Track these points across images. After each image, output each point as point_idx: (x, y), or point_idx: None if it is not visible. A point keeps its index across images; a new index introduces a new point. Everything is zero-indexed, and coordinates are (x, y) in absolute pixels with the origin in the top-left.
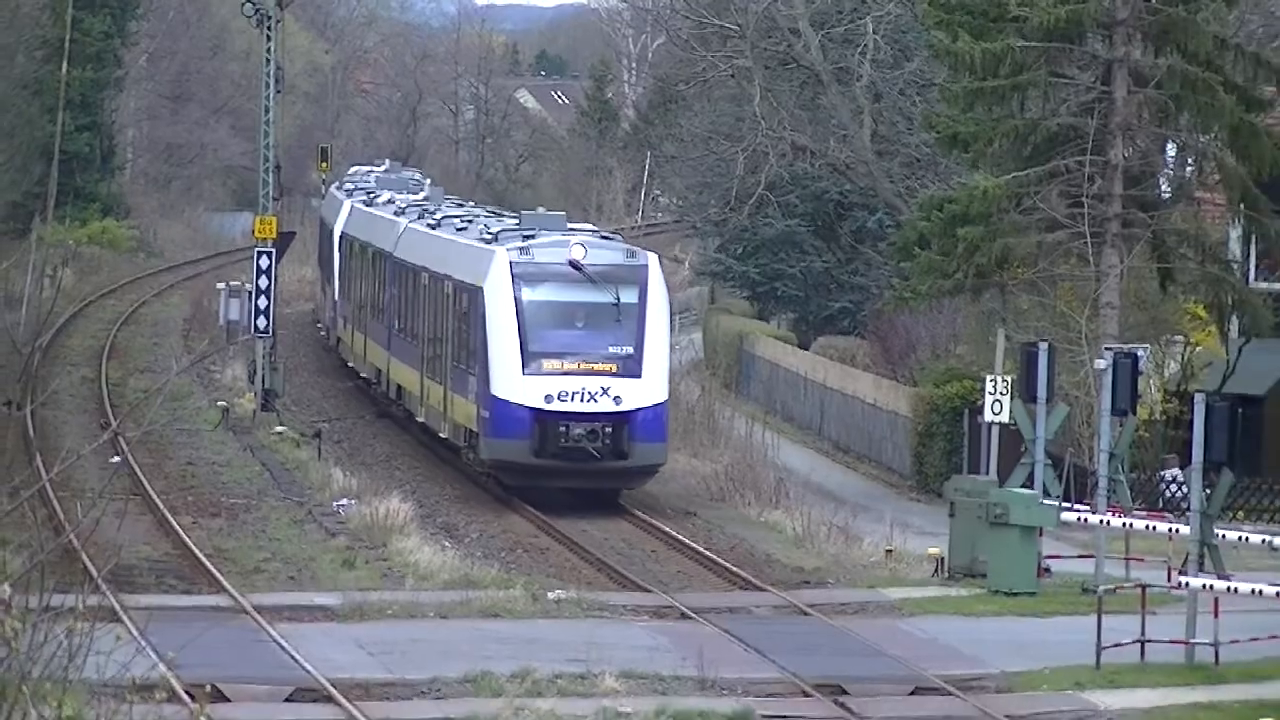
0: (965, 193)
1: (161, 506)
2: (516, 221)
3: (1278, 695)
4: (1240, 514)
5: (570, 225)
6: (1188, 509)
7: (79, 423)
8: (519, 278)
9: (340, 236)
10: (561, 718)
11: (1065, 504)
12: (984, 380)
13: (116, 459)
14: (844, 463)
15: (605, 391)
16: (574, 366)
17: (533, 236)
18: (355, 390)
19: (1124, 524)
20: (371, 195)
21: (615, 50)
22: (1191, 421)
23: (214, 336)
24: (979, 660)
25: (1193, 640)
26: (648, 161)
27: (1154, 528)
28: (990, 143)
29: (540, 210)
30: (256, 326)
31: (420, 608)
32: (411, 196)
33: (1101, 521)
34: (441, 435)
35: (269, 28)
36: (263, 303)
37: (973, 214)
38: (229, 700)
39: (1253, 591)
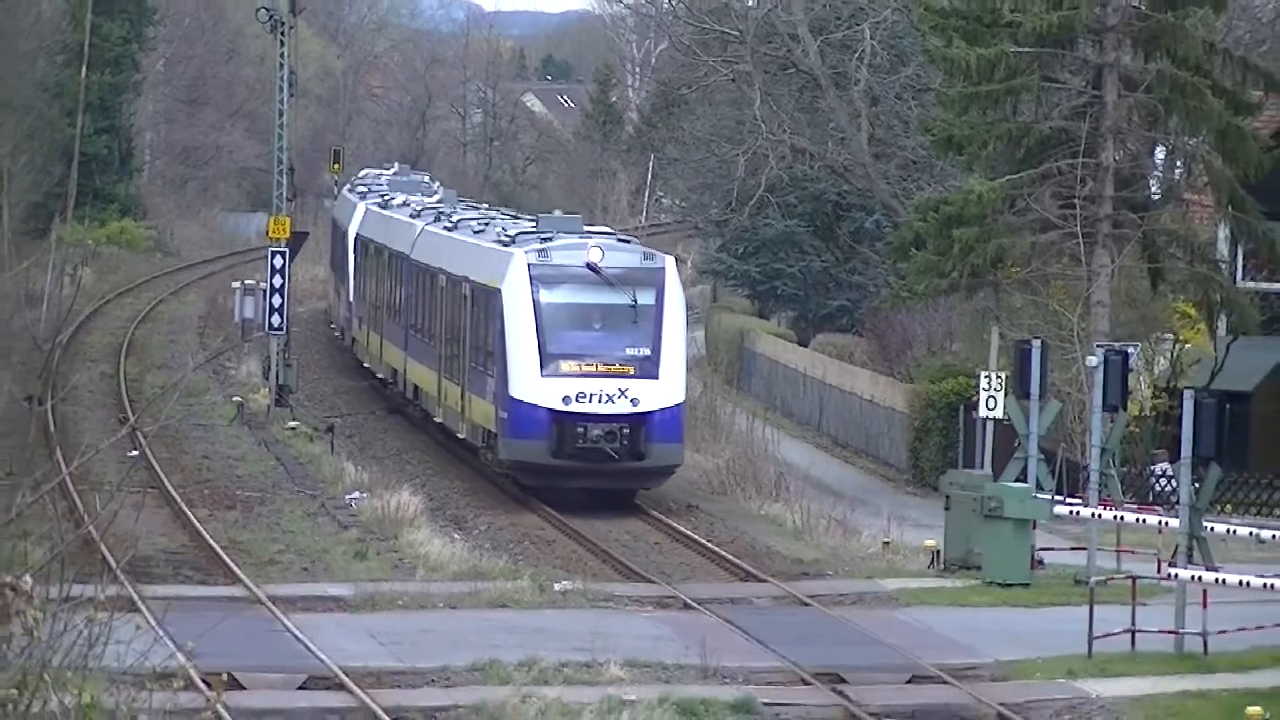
0: (960, 194)
1: (178, 499)
2: (533, 224)
3: (1265, 684)
4: (1228, 507)
5: (587, 228)
6: (1177, 503)
7: (98, 417)
8: (537, 280)
9: (355, 238)
10: (568, 705)
11: (1058, 498)
12: (979, 377)
13: (134, 453)
14: (842, 457)
15: (623, 393)
16: (592, 368)
17: (550, 239)
18: (367, 387)
19: (1115, 517)
20: (386, 198)
21: (619, 55)
22: (1181, 417)
23: (229, 334)
24: (974, 649)
25: (1182, 630)
26: (651, 164)
27: (1144, 521)
28: (984, 146)
29: (557, 213)
30: (271, 324)
31: (430, 598)
32: (426, 199)
33: (1093, 515)
34: (460, 436)
35: (282, 33)
36: (277, 301)
37: (968, 215)
38: (244, 688)
39: (1240, 583)
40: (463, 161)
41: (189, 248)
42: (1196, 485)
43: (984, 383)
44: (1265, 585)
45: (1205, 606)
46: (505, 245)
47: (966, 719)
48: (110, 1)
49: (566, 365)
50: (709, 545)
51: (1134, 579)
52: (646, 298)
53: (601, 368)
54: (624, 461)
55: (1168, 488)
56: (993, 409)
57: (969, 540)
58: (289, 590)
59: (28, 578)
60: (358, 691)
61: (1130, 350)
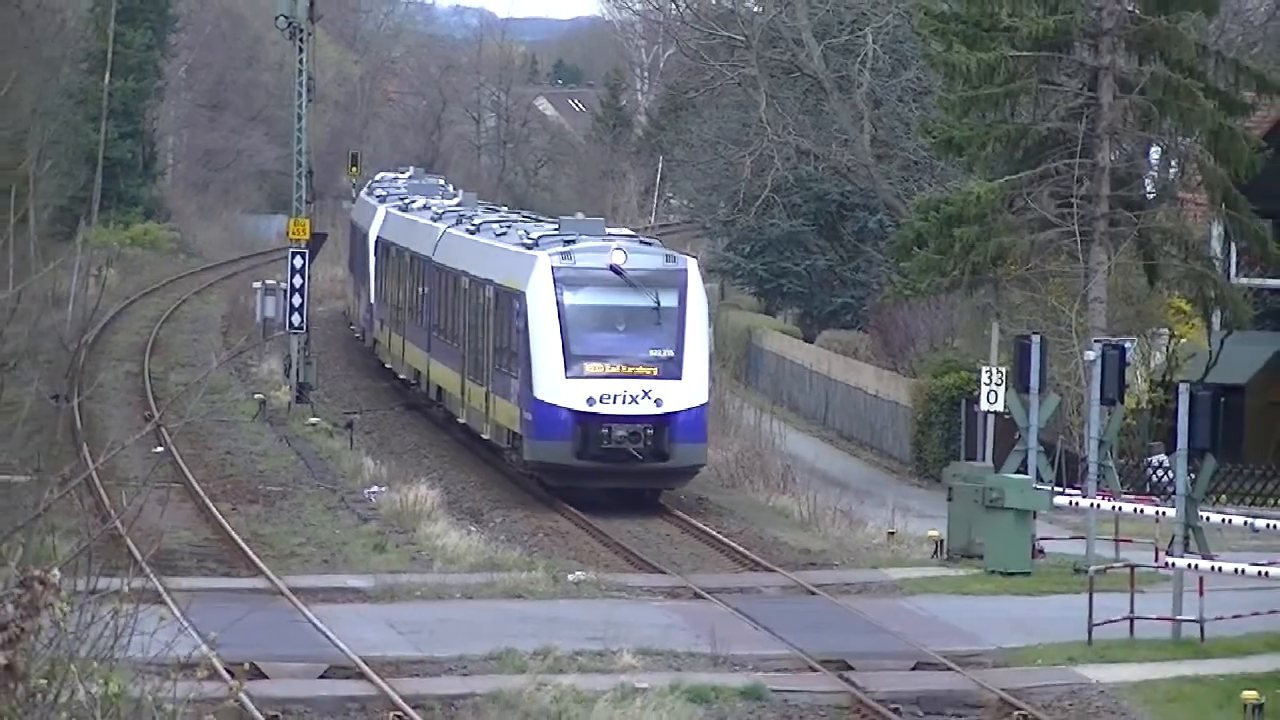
0: (960, 195)
1: (202, 494)
2: (555, 227)
3: (1260, 669)
4: (1223, 497)
5: (609, 230)
6: (1173, 493)
7: (123, 414)
8: (561, 282)
9: (376, 241)
10: (581, 693)
11: (1057, 489)
12: (980, 371)
13: (159, 449)
14: (847, 450)
15: (646, 394)
16: (615, 369)
17: (573, 241)
18: (385, 383)
19: (1113, 507)
20: (406, 201)
21: (628, 60)
22: (1176, 410)
23: (251, 332)
24: (976, 637)
25: (1179, 617)
26: (660, 165)
27: (1141, 511)
28: (984, 147)
29: (579, 216)
30: (291, 323)
31: (447, 589)
32: (446, 203)
33: (1092, 505)
34: (484, 436)
35: (301, 40)
36: (297, 300)
37: (968, 214)
38: (267, 678)
39: (1235, 570)
40: (477, 164)
41: (211, 249)
42: (1192, 476)
43: (985, 377)
44: (1260, 573)
45: (1201, 594)
46: (529, 248)
47: (970, 704)
48: (133, 10)
49: (590, 367)
50: (718, 536)
51: (1132, 567)
52: (669, 299)
53: (625, 369)
54: (648, 462)
55: (1164, 478)
56: (993, 403)
57: (971, 530)
58: (310, 582)
59: (56, 571)
60: (377, 680)
61: (1127, 345)
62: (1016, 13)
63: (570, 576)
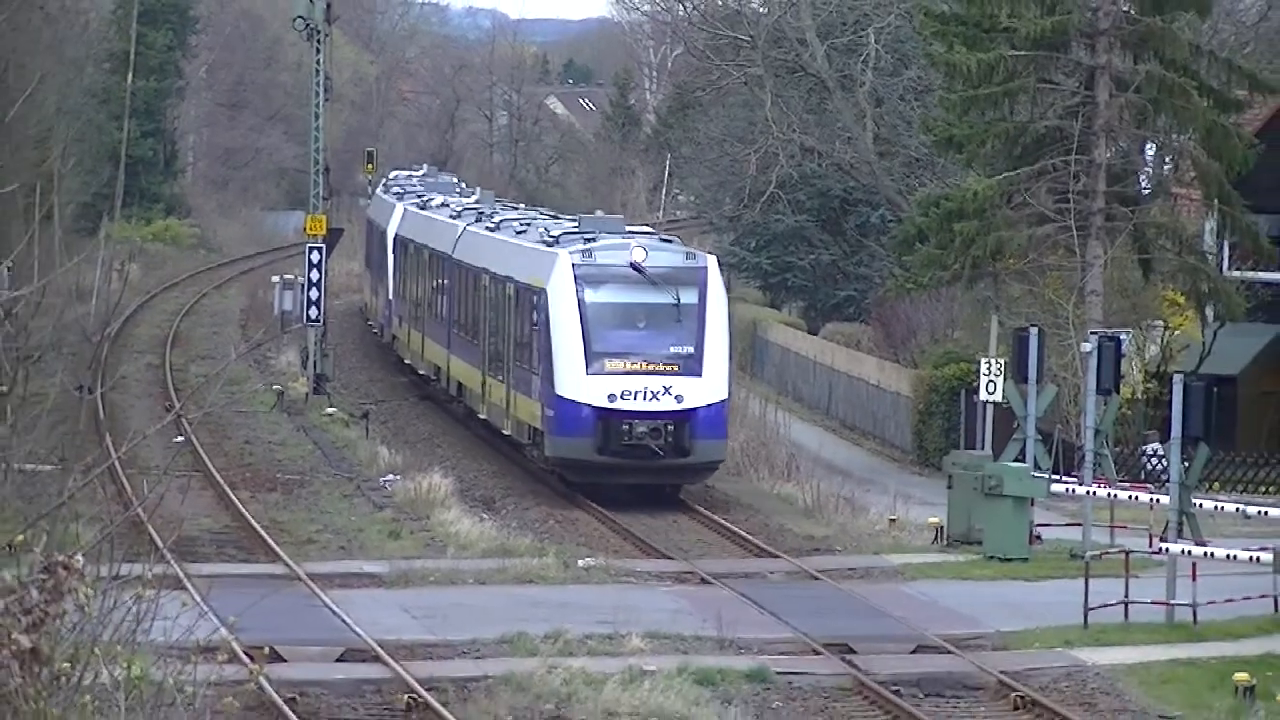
0: (960, 191)
1: (221, 482)
2: (575, 224)
3: (1251, 652)
4: (1216, 485)
5: (628, 228)
6: (1167, 480)
7: (145, 405)
8: (582, 279)
9: (394, 238)
10: (591, 675)
11: (1054, 476)
12: (979, 363)
13: (180, 438)
14: (850, 439)
15: (667, 390)
16: (636, 366)
17: (594, 239)
18: (400, 374)
19: (1109, 494)
20: (424, 199)
21: (637, 60)
22: (1170, 400)
23: (269, 325)
24: (975, 621)
25: (1173, 601)
26: (667, 162)
27: (1136, 498)
28: (983, 144)
29: (599, 214)
30: (308, 316)
31: (460, 575)
32: (465, 200)
33: (1088, 492)
34: (505, 432)
35: (318, 41)
36: (314, 294)
37: (968, 210)
38: (285, 661)
39: (1228, 556)
40: (489, 162)
41: (230, 245)
42: (1186, 464)
43: (984, 368)
44: (1251, 558)
45: (1195, 579)
46: (549, 245)
47: (969, 686)
48: (155, 11)
49: (611, 363)
50: (724, 523)
51: (1127, 553)
52: (689, 296)
53: (646, 366)
54: (668, 458)
55: (1158, 466)
56: (992, 393)
57: (970, 517)
58: (327, 568)
59: (79, 557)
60: (392, 663)
61: (1122, 337)
62: (1015, 14)
63: (580, 562)
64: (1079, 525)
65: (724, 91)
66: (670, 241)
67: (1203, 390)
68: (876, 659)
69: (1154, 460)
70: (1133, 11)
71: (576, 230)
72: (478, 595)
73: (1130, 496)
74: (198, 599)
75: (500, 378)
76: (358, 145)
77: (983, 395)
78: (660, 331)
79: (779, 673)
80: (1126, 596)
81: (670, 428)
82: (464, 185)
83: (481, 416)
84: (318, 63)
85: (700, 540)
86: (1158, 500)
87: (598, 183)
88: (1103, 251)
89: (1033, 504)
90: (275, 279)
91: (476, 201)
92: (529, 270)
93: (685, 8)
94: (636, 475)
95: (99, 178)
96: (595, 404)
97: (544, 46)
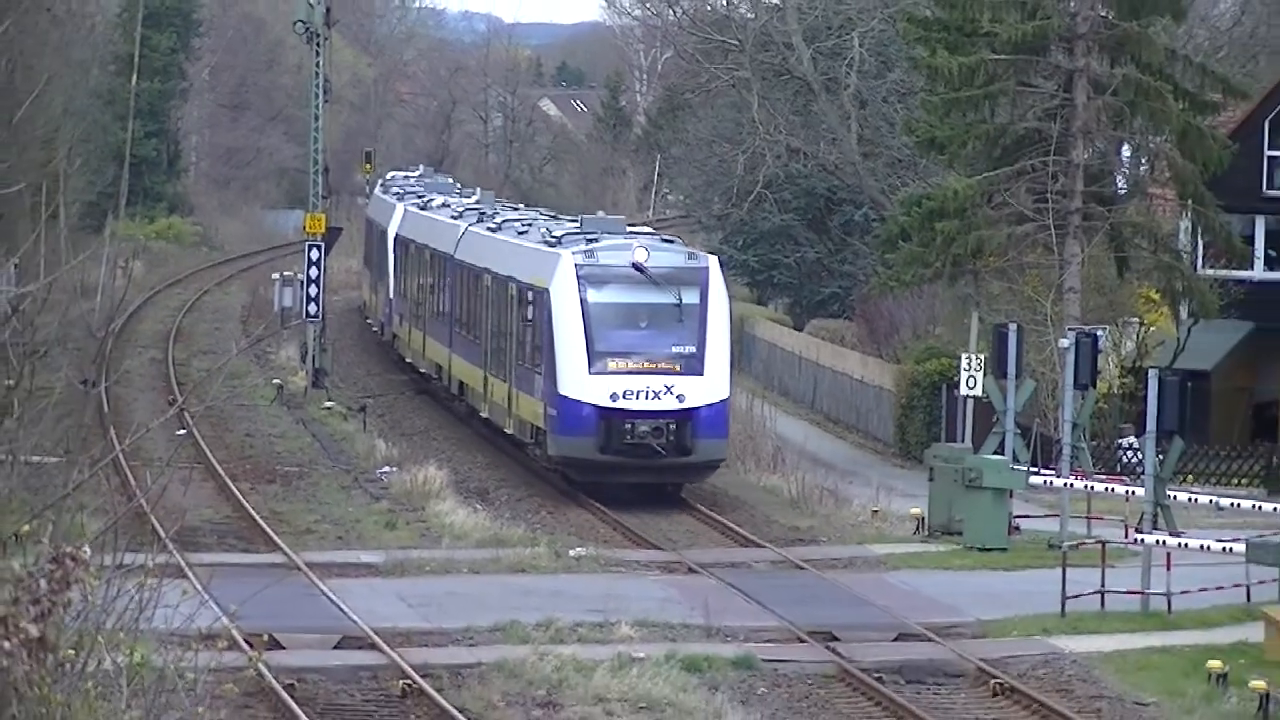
0: (942, 190)
1: (222, 474)
2: (577, 225)
3: (1224, 640)
4: (1190, 477)
5: (630, 228)
6: (1143, 473)
7: (148, 399)
8: (584, 279)
9: (395, 238)
10: (582, 662)
11: (1033, 469)
12: (960, 358)
13: (182, 431)
14: (834, 432)
15: (669, 389)
16: (638, 365)
17: (595, 240)
18: (396, 369)
19: (1085, 486)
20: (425, 200)
21: (628, 63)
22: (1146, 394)
23: (269, 321)
24: (956, 609)
25: (1148, 591)
26: (657, 163)
27: (1112, 490)
28: (964, 145)
29: (600, 214)
30: (308, 312)
31: (455, 564)
32: (465, 201)
33: (1065, 484)
34: (507, 431)
35: (318, 44)
36: (313, 291)
37: (949, 209)
38: (284, 648)
39: (1201, 547)
40: (484, 161)
41: (232, 242)
42: (1160, 457)
43: (964, 363)
44: (1224, 549)
45: (1169, 569)
46: (552, 246)
47: (950, 673)
48: (159, 15)
49: (614, 363)
50: (712, 514)
51: (1103, 544)
52: (691, 297)
53: (648, 365)
54: (670, 457)
55: (1134, 459)
56: (973, 387)
57: (951, 508)
58: (325, 557)
59: (85, 547)
60: (388, 650)
61: (1099, 333)
62: (996, 18)
63: (571, 552)
64: (1057, 516)
65: (712, 94)
66: (672, 242)
67: (1177, 385)
68: (859, 646)
69: (1130, 453)
70: (1110, 16)
71: (578, 231)
72: (471, 584)
73: (1106, 488)
74: (199, 588)
75: (502, 377)
76: (356, 145)
77: (963, 390)
78: (662, 331)
79: (765, 660)
80: (1103, 586)
81: (672, 427)
82: (460, 186)
83: (483, 415)
84: (317, 65)
85: (688, 531)
86: (1133, 492)
87: (590, 182)
88: (1080, 250)
89: (1011, 496)
90: (275, 276)
91: (477, 202)
92: (532, 270)
93: (675, 12)
94: (639, 474)
95: (104, 177)
96: (598, 403)
97: (537, 49)
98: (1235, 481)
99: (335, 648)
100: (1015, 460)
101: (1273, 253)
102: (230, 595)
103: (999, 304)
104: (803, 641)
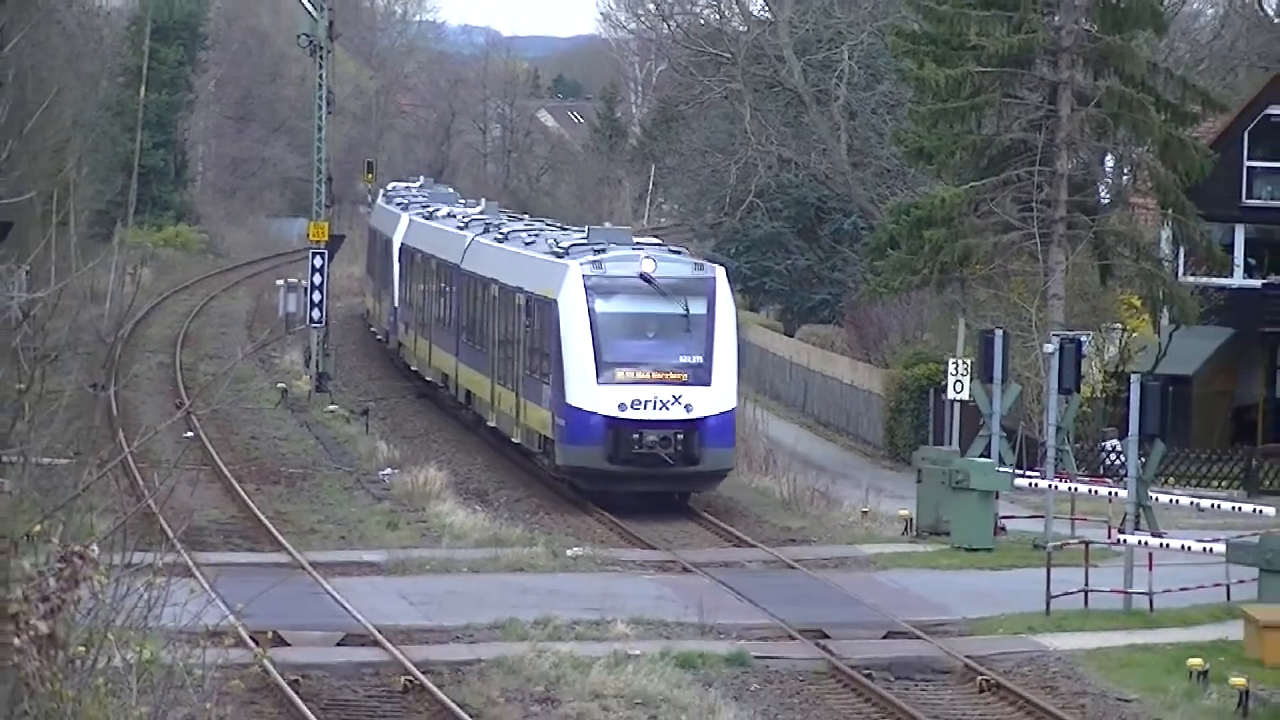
0: (929, 200)
1: (229, 475)
2: (584, 236)
3: (1204, 638)
4: (1171, 479)
5: (636, 239)
6: (1125, 475)
7: (156, 402)
8: (592, 290)
9: (400, 248)
10: (579, 659)
11: (1018, 471)
12: (947, 363)
13: (189, 434)
14: (825, 435)
15: (677, 399)
16: (646, 376)
17: (603, 250)
18: (405, 380)
19: (1069, 488)
20: (430, 210)
21: (623, 75)
22: (1128, 399)
23: (274, 326)
24: (943, 608)
25: (1130, 590)
26: (652, 172)
27: (1096, 492)
28: (951, 155)
29: (607, 225)
30: (311, 318)
31: (455, 563)
32: (470, 211)
33: (1050, 486)
34: (514, 440)
35: (321, 57)
36: (316, 297)
37: (936, 218)
38: (288, 645)
39: (1182, 547)
40: (483, 171)
41: (237, 250)
42: (1142, 459)
43: (952, 368)
44: (1204, 549)
45: (1151, 568)
46: (559, 256)
47: (937, 670)
48: (166, 29)
49: (622, 373)
50: (705, 515)
51: (1087, 544)
52: (698, 307)
53: (656, 375)
54: (678, 466)
55: (1117, 462)
56: (960, 391)
57: (939, 509)
58: (328, 557)
59: (94, 547)
60: (390, 647)
61: (1082, 339)
62: (983, 32)
63: (569, 552)
64: (1041, 517)
65: (706, 105)
66: (679, 253)
67: (1159, 390)
68: (849, 644)
69: (1113, 456)
70: (1093, 30)
71: (585, 241)
72: (471, 583)
73: (1090, 490)
74: (206, 586)
75: (509, 386)
76: (358, 155)
77: (950, 394)
78: (670, 341)
79: (757, 657)
80: (1086, 585)
81: (680, 436)
82: (460, 196)
83: (490, 424)
84: (320, 77)
85: (682, 531)
86: (1116, 494)
87: (586, 192)
88: (1064, 258)
89: (997, 497)
90: (280, 282)
91: (481, 212)
92: (539, 281)
93: (669, 26)
94: (646, 483)
95: (113, 186)
96: (606, 413)
97: (535, 62)
98: (1215, 483)
99: (339, 645)
100: (1001, 462)
101: (1252, 260)
102: (236, 594)
103: (985, 310)
104: (794, 639)
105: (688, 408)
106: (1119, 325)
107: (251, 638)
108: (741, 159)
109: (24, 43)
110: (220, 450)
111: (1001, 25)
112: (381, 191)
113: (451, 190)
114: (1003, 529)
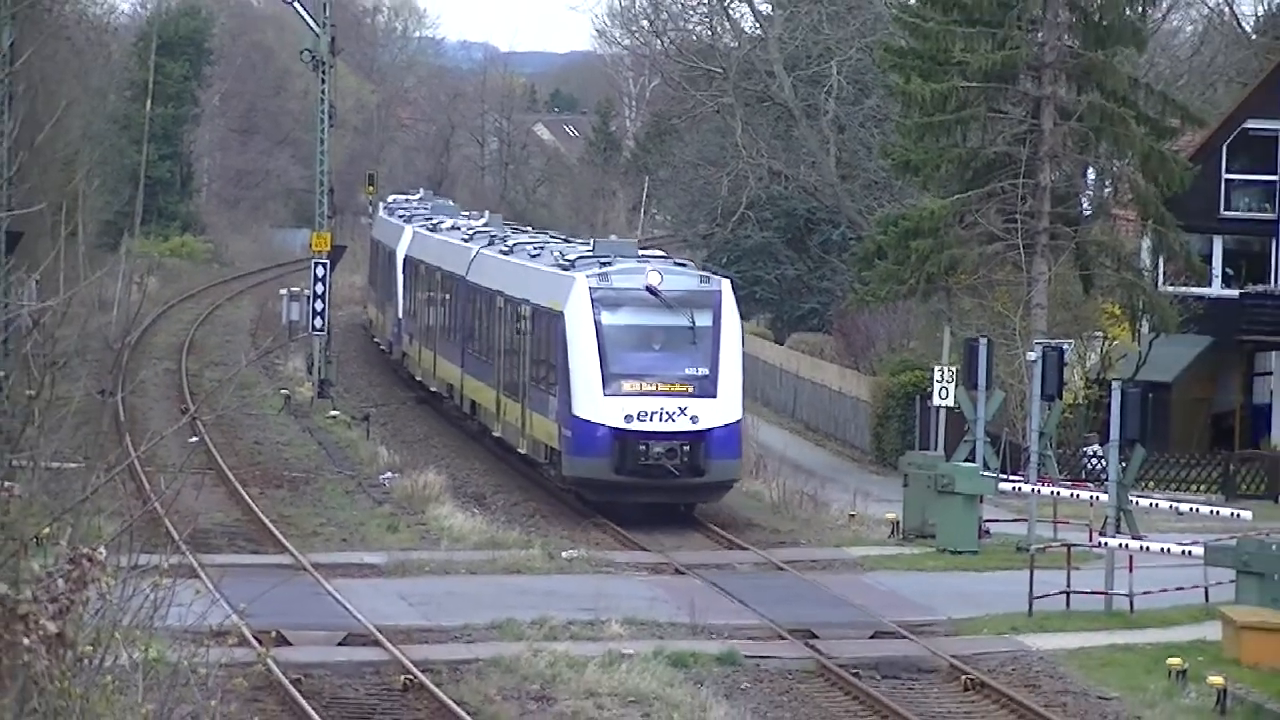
0: (916, 211)
1: (233, 479)
2: (589, 248)
3: (1184, 638)
4: (1151, 484)
5: (642, 252)
6: (1106, 479)
7: (162, 408)
8: (598, 302)
9: (404, 259)
10: (574, 658)
11: (1002, 475)
12: (933, 370)
13: (194, 439)
14: (814, 441)
15: (683, 411)
16: (652, 387)
17: (609, 263)
18: (399, 382)
19: (1052, 492)
20: (434, 222)
21: (618, 90)
22: (1109, 405)
23: (277, 334)
24: (929, 608)
25: (1111, 591)
26: (646, 184)
27: (1077, 495)
28: (937, 168)
29: (613, 238)
30: (314, 325)
31: (453, 565)
32: (474, 223)
33: (1033, 490)
34: (520, 451)
35: (323, 71)
36: (319, 305)
37: (923, 229)
38: (291, 644)
39: (1162, 550)
40: (481, 184)
41: (241, 260)
42: (1123, 464)
43: (937, 375)
44: (1184, 552)
45: (1131, 571)
46: (565, 269)
47: (923, 669)
48: (172, 44)
49: (628, 385)
50: (697, 517)
51: (1069, 546)
52: (704, 319)
53: (662, 387)
54: (684, 477)
55: (1098, 466)
56: (945, 398)
57: (924, 513)
58: (330, 558)
59: (101, 549)
60: (390, 647)
61: (1065, 347)
62: (968, 48)
63: (564, 554)
64: (1024, 520)
65: (698, 119)
66: (685, 265)
67: (1139, 396)
68: (837, 644)
69: (1094, 461)
70: (1076, 46)
71: (591, 254)
72: (469, 584)
73: (1072, 494)
74: (210, 587)
75: (516, 397)
76: (360, 168)
77: (936, 400)
78: (676, 353)
79: (747, 656)
80: (1068, 587)
81: (686, 448)
82: (463, 209)
83: (496, 435)
84: (323, 91)
85: (675, 534)
86: (1097, 498)
87: (581, 203)
88: (1047, 268)
89: (982, 501)
90: (283, 291)
91: (485, 225)
92: (545, 293)
93: (662, 42)
94: (653, 494)
95: (120, 197)
96: (612, 424)
97: (532, 77)
98: (1194, 488)
99: (340, 644)
100: (985, 467)
101: (1229, 270)
102: (240, 594)
103: (970, 319)
104: (784, 639)
105: (694, 419)
106: (1100, 333)
107: (255, 637)
108: (733, 171)
109: (34, 58)
110: (225, 455)
111: (986, 42)
112: (382, 204)
113: (451, 202)
114: (987, 532)
